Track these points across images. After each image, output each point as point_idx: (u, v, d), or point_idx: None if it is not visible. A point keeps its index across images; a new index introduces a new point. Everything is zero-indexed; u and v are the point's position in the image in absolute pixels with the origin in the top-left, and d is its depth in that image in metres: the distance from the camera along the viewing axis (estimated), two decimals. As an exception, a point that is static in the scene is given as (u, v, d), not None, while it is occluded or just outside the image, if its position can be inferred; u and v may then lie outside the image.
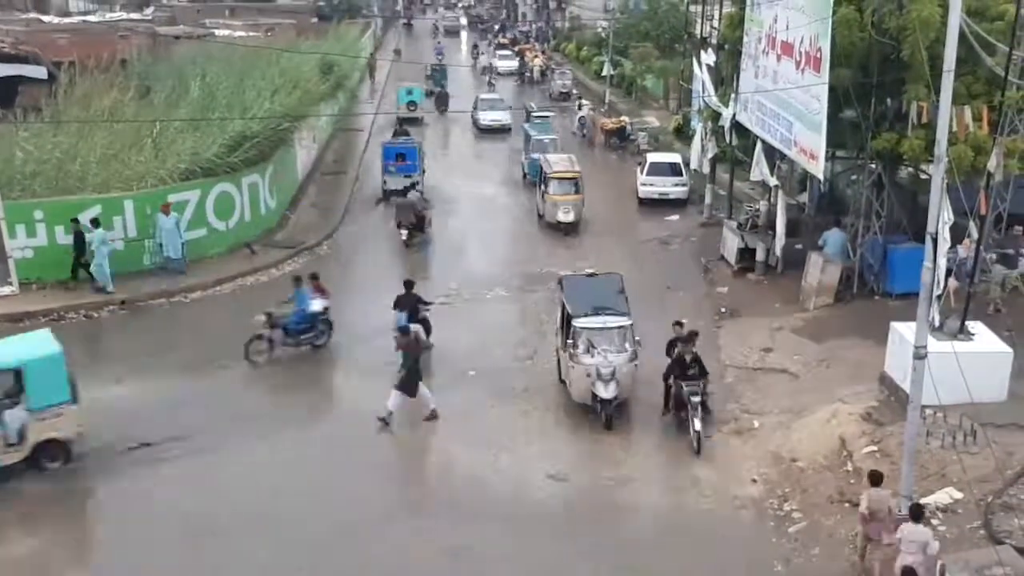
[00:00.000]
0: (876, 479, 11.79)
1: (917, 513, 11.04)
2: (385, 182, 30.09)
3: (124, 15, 56.88)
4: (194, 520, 13.23)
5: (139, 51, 35.65)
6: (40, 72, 32.81)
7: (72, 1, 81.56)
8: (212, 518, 13.29)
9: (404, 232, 25.67)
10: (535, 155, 30.67)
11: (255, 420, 16.10)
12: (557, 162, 28.17)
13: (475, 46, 71.74)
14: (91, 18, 54.24)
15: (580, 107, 43.04)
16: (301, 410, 16.81)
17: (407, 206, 26.59)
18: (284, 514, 13.47)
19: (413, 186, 28.55)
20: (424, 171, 30.22)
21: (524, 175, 32.96)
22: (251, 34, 45.80)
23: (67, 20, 51.29)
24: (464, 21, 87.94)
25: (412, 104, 43.13)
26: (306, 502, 13.76)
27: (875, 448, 13.89)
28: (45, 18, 52.80)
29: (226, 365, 18.07)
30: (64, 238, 21.25)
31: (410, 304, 18.49)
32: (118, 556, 12.69)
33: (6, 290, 20.82)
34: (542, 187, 27.84)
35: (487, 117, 42.04)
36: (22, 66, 32.57)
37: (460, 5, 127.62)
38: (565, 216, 26.70)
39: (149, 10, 64.22)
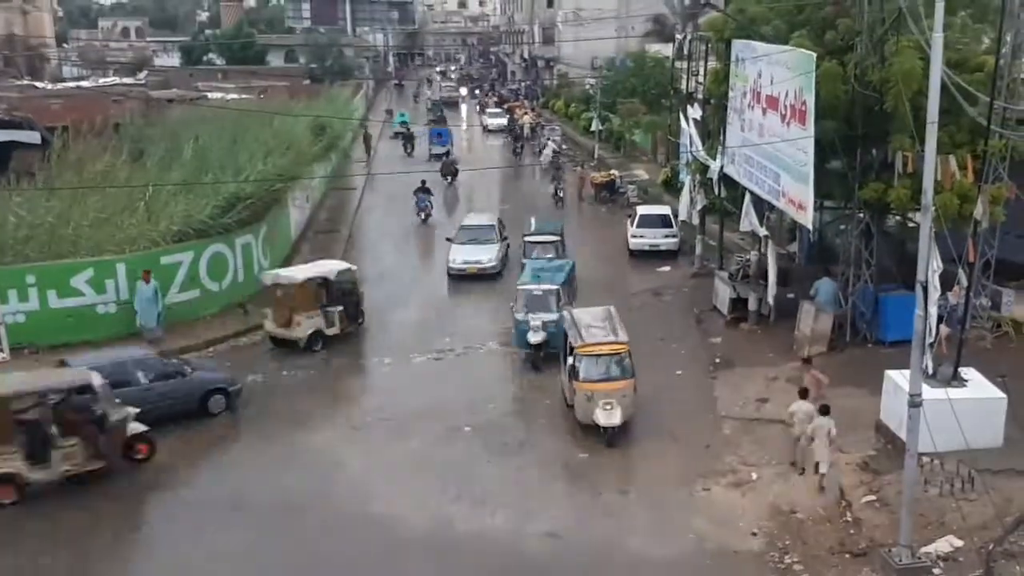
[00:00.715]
0: (803, 394, 15.29)
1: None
2: (431, 149, 49.18)
3: (117, 80, 57.58)
4: None
5: (132, 115, 35.97)
6: (34, 137, 33.05)
7: (66, 68, 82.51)
8: None
9: (448, 178, 41.17)
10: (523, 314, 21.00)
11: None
12: (590, 324, 18.47)
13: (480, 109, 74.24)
14: (85, 84, 54.84)
15: (547, 142, 44.70)
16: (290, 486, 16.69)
17: (449, 163, 43.72)
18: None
19: (447, 153, 47.79)
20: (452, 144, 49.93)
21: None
22: (244, 96, 46.33)
23: (61, 86, 51.82)
24: (464, 92, 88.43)
25: (404, 124, 55.37)
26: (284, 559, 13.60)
27: (874, 497, 13.85)
28: (39, 84, 53.37)
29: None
30: (57, 302, 21.25)
31: None
32: None
33: (-2, 356, 20.72)
34: (569, 364, 17.98)
35: (461, 257, 28.39)
36: (16, 131, 32.83)
37: (452, 68, 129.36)
38: (607, 418, 16.94)
39: (142, 74, 65.02)
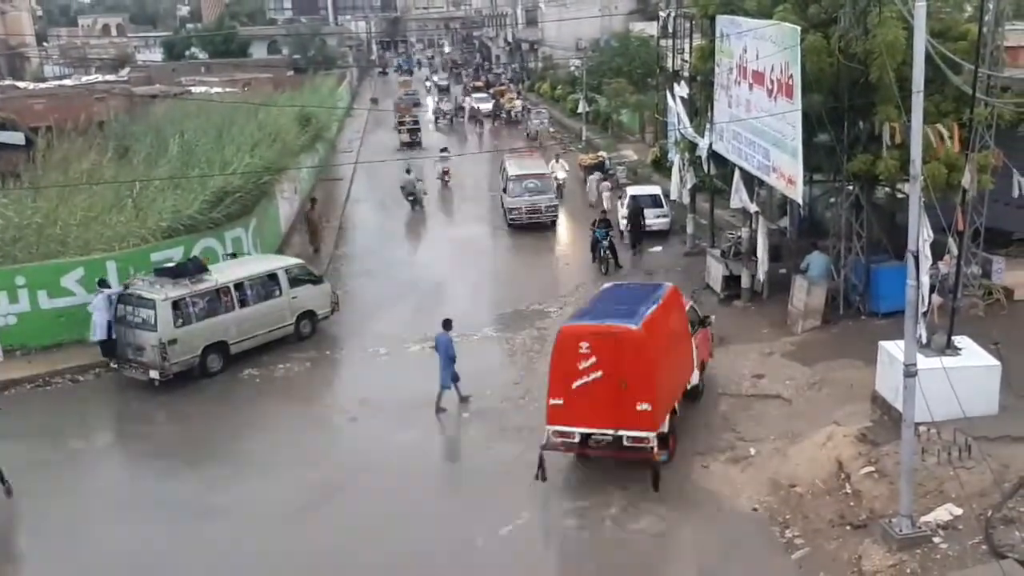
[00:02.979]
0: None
1: None
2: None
3: (100, 77, 57.23)
4: None
5: (116, 112, 35.82)
6: (17, 138, 32.92)
7: (47, 66, 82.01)
8: None
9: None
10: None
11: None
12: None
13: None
14: (67, 82, 54.52)
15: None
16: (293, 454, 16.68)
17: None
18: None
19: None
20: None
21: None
22: (228, 90, 46.09)
23: (43, 85, 51.53)
24: (426, 94, 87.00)
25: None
26: (307, 552, 13.63)
27: (872, 468, 13.88)
28: (20, 84, 53.05)
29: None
30: (48, 302, 21.19)
31: None
32: None
33: (-10, 358, 20.66)
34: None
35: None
36: (-1, 132, 32.64)
37: (433, 52, 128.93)
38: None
39: (124, 71, 64.67)
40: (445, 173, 40.49)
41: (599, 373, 14.73)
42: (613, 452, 15.17)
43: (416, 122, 53.59)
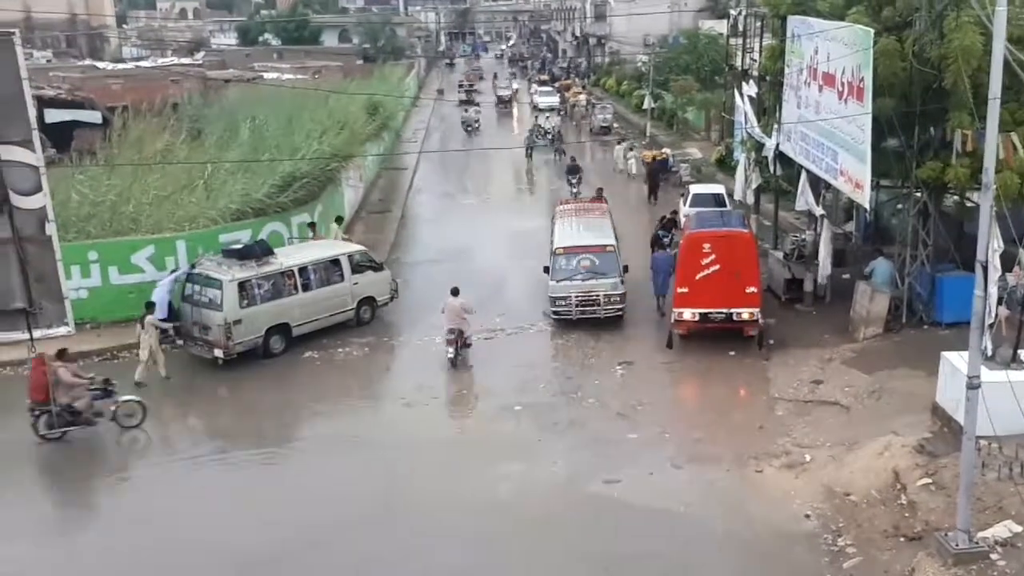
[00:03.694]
0: None
1: None
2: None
3: (175, 60, 58.58)
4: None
5: (190, 95, 36.65)
6: (95, 117, 33.88)
7: (126, 48, 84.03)
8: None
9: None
10: None
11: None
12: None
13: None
14: (144, 64, 55.88)
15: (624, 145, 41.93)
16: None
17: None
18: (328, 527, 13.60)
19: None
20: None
21: None
22: (299, 76, 46.83)
23: (121, 66, 52.91)
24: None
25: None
26: (364, 518, 13.88)
27: (929, 480, 13.67)
28: (100, 64, 54.55)
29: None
30: (118, 278, 21.80)
31: None
32: None
33: (62, 330, 21.16)
34: None
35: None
36: (78, 111, 33.68)
37: (502, 47, 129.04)
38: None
39: (200, 55, 66.02)
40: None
41: (717, 267, 19.90)
42: (727, 325, 20.08)
43: (473, 86, 69.74)
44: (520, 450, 16.49)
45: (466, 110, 54.62)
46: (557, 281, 22.04)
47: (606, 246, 22.57)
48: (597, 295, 21.73)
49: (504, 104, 64.85)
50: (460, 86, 70.55)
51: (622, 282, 21.94)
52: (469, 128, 52.79)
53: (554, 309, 22.08)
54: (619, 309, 21.86)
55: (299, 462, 16.40)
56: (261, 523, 14.25)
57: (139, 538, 14.11)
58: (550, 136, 44.44)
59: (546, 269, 22.63)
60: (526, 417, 17.77)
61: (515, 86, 72.04)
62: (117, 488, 16.15)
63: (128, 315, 21.18)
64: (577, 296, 21.71)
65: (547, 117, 49.53)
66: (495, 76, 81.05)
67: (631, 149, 38.60)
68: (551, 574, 13.10)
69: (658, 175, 35.94)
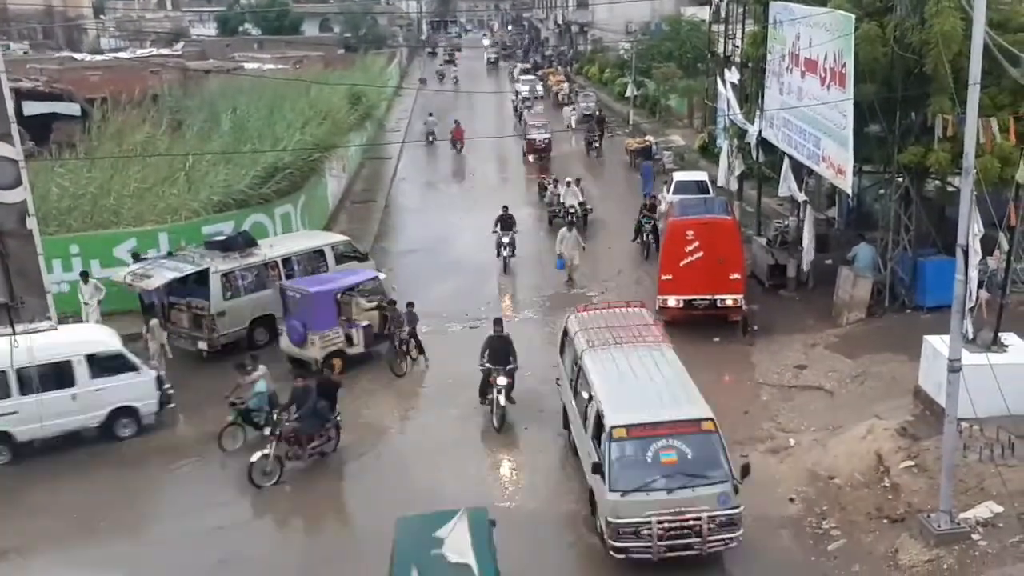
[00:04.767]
0: None
1: None
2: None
3: (155, 51, 58.09)
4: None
5: (170, 86, 36.37)
6: (73, 109, 33.55)
7: (104, 39, 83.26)
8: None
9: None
10: None
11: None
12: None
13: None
14: (123, 55, 55.41)
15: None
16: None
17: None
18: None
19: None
20: None
21: None
22: (280, 67, 46.58)
23: (99, 57, 52.44)
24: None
25: None
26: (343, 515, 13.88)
27: (912, 463, 13.80)
28: (78, 56, 54.05)
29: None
30: (100, 272, 21.66)
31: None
32: None
33: (45, 324, 21.00)
34: None
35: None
36: (56, 103, 33.33)
37: (484, 33, 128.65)
38: None
39: (179, 45, 65.49)
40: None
41: (701, 254, 20.04)
42: (711, 312, 20.27)
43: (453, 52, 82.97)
44: (507, 438, 16.53)
45: (431, 113, 48.34)
46: (622, 494, 12.41)
47: (701, 421, 12.97)
48: (697, 520, 12.35)
49: (540, 154, 40.99)
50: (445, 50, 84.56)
51: (736, 488, 12.59)
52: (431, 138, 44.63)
53: (618, 544, 12.46)
54: (730, 540, 12.54)
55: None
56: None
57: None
58: (572, 216, 28.55)
59: (573, 448, 15.29)
60: (513, 406, 17.76)
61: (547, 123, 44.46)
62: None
63: (110, 308, 21.05)
64: (663, 522, 12.29)
65: (569, 186, 30.28)
66: (526, 106, 52.11)
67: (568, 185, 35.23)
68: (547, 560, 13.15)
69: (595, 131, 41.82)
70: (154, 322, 19.43)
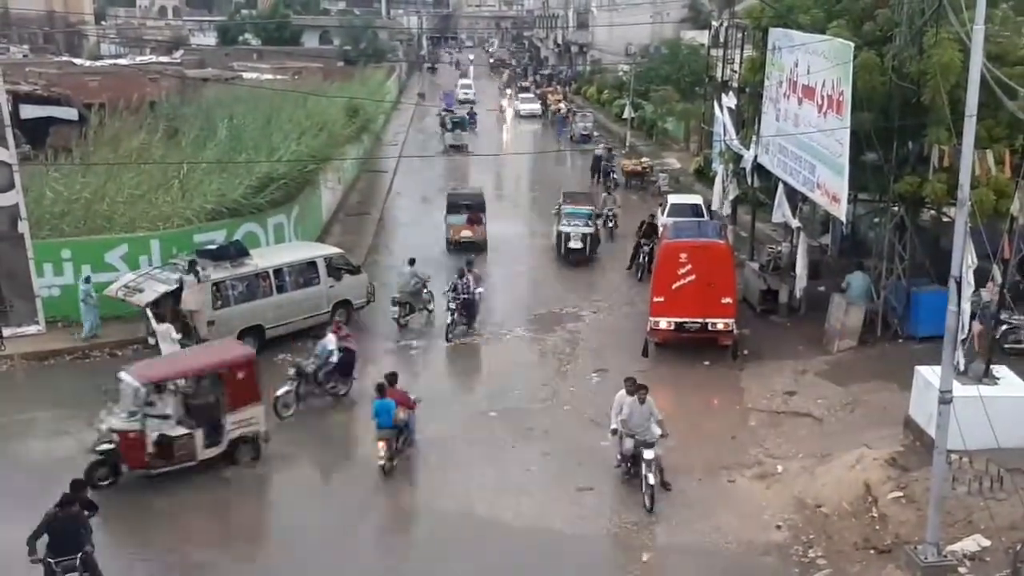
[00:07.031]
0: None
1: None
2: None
3: (154, 58, 58.13)
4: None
5: (168, 93, 36.36)
6: (71, 114, 33.56)
7: (103, 45, 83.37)
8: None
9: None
10: None
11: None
12: None
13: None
14: (122, 61, 55.40)
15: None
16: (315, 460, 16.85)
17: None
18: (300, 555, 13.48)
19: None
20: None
21: None
22: (278, 77, 46.60)
23: (98, 63, 52.44)
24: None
25: None
26: (322, 547, 13.77)
27: (900, 493, 13.73)
28: (77, 61, 54.07)
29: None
30: (92, 276, 21.52)
31: None
32: None
33: (33, 329, 21.04)
34: None
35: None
36: (53, 107, 33.35)
37: (486, 49, 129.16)
38: None
39: (178, 53, 65.57)
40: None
41: (693, 277, 19.98)
42: (702, 335, 20.14)
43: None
44: (494, 455, 16.44)
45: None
46: None
47: None
48: None
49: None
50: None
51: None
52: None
53: None
54: None
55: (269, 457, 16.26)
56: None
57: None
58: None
59: None
60: (500, 423, 17.70)
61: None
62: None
63: (101, 314, 20.92)
64: None
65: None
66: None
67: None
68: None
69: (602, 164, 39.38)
70: (164, 327, 19.25)
